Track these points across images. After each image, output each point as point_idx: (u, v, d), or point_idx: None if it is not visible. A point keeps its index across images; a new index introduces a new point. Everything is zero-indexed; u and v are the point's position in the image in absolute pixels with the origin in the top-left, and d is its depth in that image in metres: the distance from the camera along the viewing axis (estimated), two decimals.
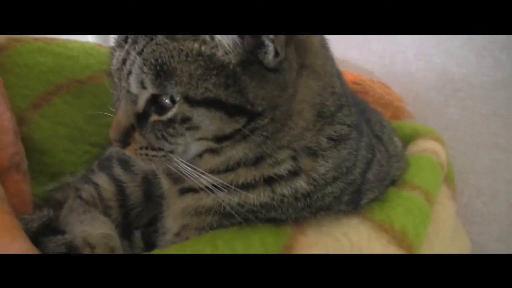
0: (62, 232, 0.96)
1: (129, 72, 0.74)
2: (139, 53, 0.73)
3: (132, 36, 0.76)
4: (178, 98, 0.73)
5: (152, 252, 0.84)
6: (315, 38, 0.85)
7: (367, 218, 0.93)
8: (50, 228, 0.97)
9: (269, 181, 0.84)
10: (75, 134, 1.31)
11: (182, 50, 0.72)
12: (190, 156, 0.82)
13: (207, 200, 0.86)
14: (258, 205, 0.83)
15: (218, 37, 0.72)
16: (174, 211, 0.93)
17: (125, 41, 0.77)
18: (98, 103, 1.34)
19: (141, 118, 0.78)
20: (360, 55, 1.89)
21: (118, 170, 1.13)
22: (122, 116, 0.79)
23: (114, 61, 0.78)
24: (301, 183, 0.84)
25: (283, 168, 0.83)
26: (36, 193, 1.16)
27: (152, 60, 0.72)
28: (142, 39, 0.74)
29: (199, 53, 0.72)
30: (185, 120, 0.74)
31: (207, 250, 0.79)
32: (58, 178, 1.25)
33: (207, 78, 0.72)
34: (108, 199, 1.11)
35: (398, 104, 1.65)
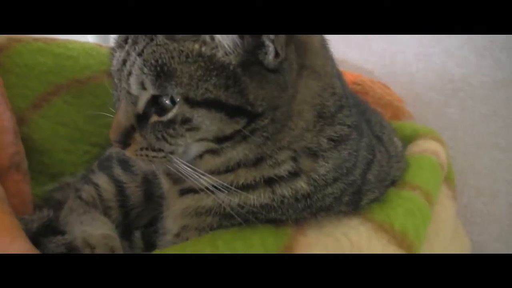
0: (62, 233, 0.96)
1: (129, 73, 0.74)
2: (139, 54, 0.73)
3: (132, 37, 0.76)
4: (178, 99, 0.73)
5: (152, 253, 0.84)
6: (315, 38, 0.85)
7: (367, 218, 0.93)
8: (50, 229, 0.97)
9: (269, 182, 0.83)
10: (75, 134, 1.31)
11: (182, 51, 0.72)
12: (190, 157, 0.82)
13: (207, 201, 0.86)
14: (258, 206, 0.83)
15: (218, 38, 0.72)
16: (174, 212, 0.93)
17: (125, 41, 0.77)
18: (98, 103, 1.34)
19: (141, 119, 0.78)
20: (360, 55, 1.89)
21: (118, 171, 1.13)
22: (122, 117, 0.79)
23: (114, 62, 0.78)
24: (301, 184, 0.84)
25: (283, 169, 0.83)
26: (36, 193, 1.16)
27: (152, 61, 0.71)
28: (142, 40, 0.74)
29: (199, 54, 0.72)
30: (185, 121, 0.74)
31: (207, 250, 0.79)
32: (58, 178, 1.25)
33: (208, 79, 0.72)
34: (108, 200, 1.11)
35: (398, 104, 1.65)
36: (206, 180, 0.81)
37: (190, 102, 0.73)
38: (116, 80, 0.80)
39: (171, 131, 0.76)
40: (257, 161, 0.83)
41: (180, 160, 0.80)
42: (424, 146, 1.28)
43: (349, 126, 0.89)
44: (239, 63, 0.73)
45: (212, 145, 0.80)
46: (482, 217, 1.58)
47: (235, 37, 0.72)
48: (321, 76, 0.85)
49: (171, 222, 0.94)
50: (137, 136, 0.79)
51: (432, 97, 1.70)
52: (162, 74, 0.71)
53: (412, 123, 1.59)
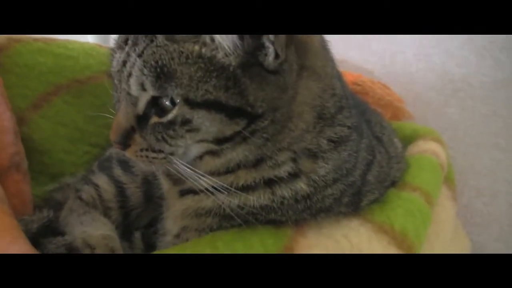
0: (62, 233, 0.96)
1: (129, 74, 0.74)
2: (139, 55, 0.73)
3: (132, 38, 0.76)
4: (178, 100, 0.73)
5: (152, 253, 0.84)
6: (315, 39, 0.85)
7: (367, 219, 0.93)
8: (50, 229, 0.97)
9: (269, 183, 0.83)
10: (75, 134, 1.31)
11: (182, 52, 0.72)
12: (190, 158, 0.82)
13: (207, 202, 0.86)
14: (258, 207, 0.83)
15: (218, 39, 0.72)
16: (174, 213, 0.93)
17: (125, 43, 0.77)
18: (98, 104, 1.34)
19: (141, 120, 0.78)
20: (360, 55, 1.89)
21: (118, 171, 1.13)
22: (122, 118, 0.79)
23: (114, 63, 0.78)
24: (301, 185, 0.84)
25: (283, 170, 0.83)
26: (36, 193, 1.16)
27: (152, 62, 0.71)
28: (142, 41, 0.74)
29: (199, 55, 0.72)
30: (185, 122, 0.74)
31: (207, 251, 0.79)
32: (58, 178, 1.25)
33: (207, 80, 0.72)
34: (108, 200, 1.11)
35: (398, 105, 1.65)
36: (206, 181, 0.81)
37: (190, 103, 0.73)
38: (116, 81, 0.80)
39: (171, 132, 0.76)
40: (257, 162, 0.83)
41: (180, 161, 0.80)
42: (424, 147, 1.28)
43: (349, 127, 0.89)
44: (239, 64, 0.73)
45: (212, 146, 0.80)
46: (482, 217, 1.58)
47: (235, 38, 0.72)
48: (321, 77, 0.85)
49: (171, 223, 0.94)
50: (137, 137, 0.79)
51: (432, 97, 1.70)
52: (162, 75, 0.71)
53: (412, 123, 1.59)
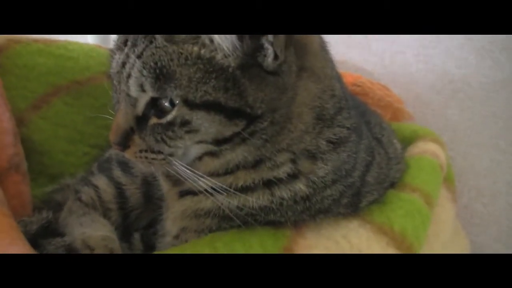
0: (62, 234, 0.96)
1: (129, 75, 0.74)
2: (139, 56, 0.73)
3: (131, 39, 0.76)
4: (177, 101, 0.73)
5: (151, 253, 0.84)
6: (314, 40, 0.85)
7: (367, 220, 0.93)
8: (50, 230, 0.97)
9: (269, 184, 0.83)
10: (74, 135, 1.31)
11: (181, 54, 0.72)
12: (189, 159, 0.82)
13: (206, 203, 0.86)
14: (257, 208, 0.83)
15: (217, 40, 0.72)
16: (174, 214, 0.93)
17: (125, 44, 0.77)
18: (98, 105, 1.34)
19: (141, 121, 0.78)
20: (360, 56, 1.89)
21: (117, 172, 1.13)
22: (121, 119, 0.79)
23: (114, 64, 0.78)
24: (300, 186, 0.84)
25: (283, 171, 0.83)
26: (35, 194, 1.16)
27: (152, 63, 0.72)
28: (141, 42, 0.74)
29: (199, 57, 0.72)
30: (185, 123, 0.74)
31: (206, 252, 0.79)
32: (57, 179, 1.25)
33: (207, 81, 0.72)
34: (108, 201, 1.11)
35: (398, 105, 1.65)
36: (205, 182, 0.81)
37: (189, 104, 0.73)
38: (115, 82, 0.80)
39: (170, 133, 0.76)
40: (256, 163, 0.83)
41: (179, 162, 0.80)
42: (424, 148, 1.28)
43: (348, 128, 0.89)
44: (238, 65, 0.73)
45: (211, 147, 0.80)
46: (481, 218, 1.58)
47: (234, 39, 0.72)
48: (320, 78, 0.85)
49: (170, 224, 0.94)
50: (136, 138, 0.79)
51: (431, 98, 1.70)
52: (161, 76, 0.71)
53: (412, 124, 1.59)
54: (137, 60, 0.73)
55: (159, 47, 0.72)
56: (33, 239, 0.88)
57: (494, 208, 1.56)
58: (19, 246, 0.79)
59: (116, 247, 0.97)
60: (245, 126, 0.76)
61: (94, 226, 1.01)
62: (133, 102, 0.77)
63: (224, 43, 0.72)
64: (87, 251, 0.92)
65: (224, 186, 0.82)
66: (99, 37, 1.82)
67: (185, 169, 0.80)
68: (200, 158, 0.83)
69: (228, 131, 0.76)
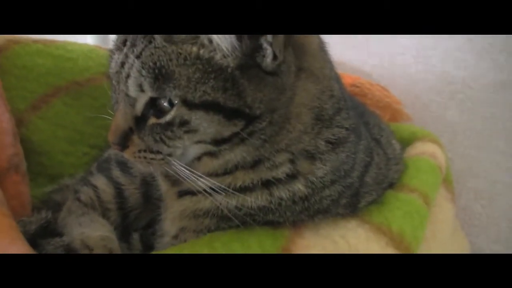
0: (61, 234, 0.96)
1: (128, 75, 0.74)
2: (138, 56, 0.73)
3: (130, 39, 0.76)
4: (176, 101, 0.73)
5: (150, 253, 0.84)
6: (313, 41, 0.85)
7: (365, 220, 0.93)
8: (49, 230, 0.98)
9: (267, 184, 0.84)
10: (74, 136, 1.31)
11: (180, 54, 0.72)
12: (188, 159, 0.82)
13: (205, 203, 0.86)
14: (256, 208, 0.83)
15: (216, 40, 0.72)
16: (172, 214, 0.93)
17: (124, 44, 0.77)
18: (97, 105, 1.35)
19: (140, 121, 0.78)
20: (359, 57, 1.89)
21: (116, 173, 1.13)
22: (120, 119, 0.79)
23: (113, 64, 0.79)
24: (299, 186, 0.84)
25: (281, 171, 0.83)
26: (35, 195, 1.16)
27: (151, 64, 0.72)
28: (140, 42, 0.74)
29: (198, 57, 0.72)
30: (183, 123, 0.75)
31: (205, 252, 0.80)
32: (57, 180, 1.25)
33: (205, 82, 0.72)
34: (107, 202, 1.11)
35: (397, 106, 1.65)
36: (204, 182, 0.81)
37: (188, 104, 0.73)
38: (114, 83, 0.80)
39: (169, 133, 0.76)
40: (255, 164, 0.83)
41: (178, 162, 0.80)
42: (422, 149, 1.29)
43: (347, 129, 0.89)
44: (237, 65, 0.73)
45: (210, 148, 0.80)
46: (480, 220, 1.58)
47: (233, 40, 0.72)
48: (319, 78, 0.85)
49: (169, 224, 0.94)
50: (135, 138, 0.79)
51: (431, 99, 1.70)
52: (160, 76, 0.72)
53: (410, 125, 1.59)
54: (136, 60, 0.73)
55: (158, 47, 0.72)
56: (32, 239, 0.88)
57: (493, 210, 1.56)
58: (18, 246, 0.79)
59: (115, 247, 0.97)
60: (244, 126, 0.77)
61: (93, 226, 1.01)
62: (132, 102, 0.77)
63: (223, 43, 0.72)
64: (86, 251, 0.92)
65: (223, 186, 0.82)
66: (98, 38, 1.82)
67: (184, 169, 0.80)
68: (199, 158, 0.83)
69: (227, 131, 0.76)
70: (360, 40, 1.88)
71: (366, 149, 0.97)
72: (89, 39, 1.82)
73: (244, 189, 0.83)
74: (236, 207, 0.83)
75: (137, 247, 1.06)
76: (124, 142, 0.79)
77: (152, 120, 0.77)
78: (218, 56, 0.73)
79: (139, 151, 0.80)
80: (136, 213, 1.14)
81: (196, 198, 0.88)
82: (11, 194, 1.01)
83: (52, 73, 1.29)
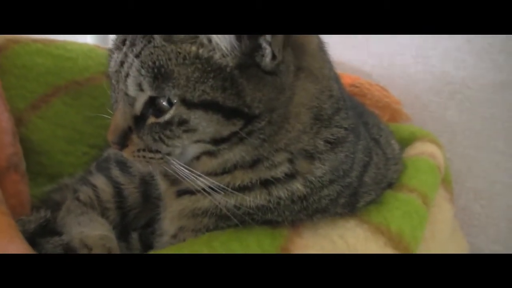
0: (60, 233, 0.96)
1: (127, 75, 0.75)
2: (137, 56, 0.73)
3: (130, 38, 0.76)
4: (175, 101, 0.73)
5: (148, 253, 0.84)
6: (312, 41, 0.85)
7: (364, 220, 0.93)
8: (48, 229, 0.98)
9: (266, 183, 0.84)
10: (73, 135, 1.32)
11: (179, 53, 0.72)
12: (187, 158, 0.82)
13: (203, 202, 0.87)
14: (254, 207, 0.84)
15: (215, 40, 0.72)
16: (171, 213, 0.93)
17: (123, 43, 0.77)
18: (97, 105, 1.35)
19: (139, 120, 0.78)
20: (358, 57, 1.89)
21: (116, 172, 1.13)
22: (119, 118, 0.79)
23: (112, 63, 0.79)
24: (297, 186, 0.84)
25: (280, 171, 0.83)
26: (34, 194, 1.16)
27: (150, 63, 0.72)
28: (140, 41, 0.74)
29: (197, 56, 0.72)
30: (182, 122, 0.75)
31: (204, 251, 0.79)
32: (56, 179, 1.25)
33: (205, 81, 0.72)
34: (106, 201, 1.11)
35: (396, 107, 1.65)
36: (203, 182, 0.82)
37: (187, 103, 0.73)
38: (113, 82, 0.80)
39: (168, 132, 0.76)
40: (254, 163, 0.83)
41: (177, 161, 0.80)
42: (422, 149, 1.29)
43: (346, 129, 0.89)
44: (236, 65, 0.73)
45: (209, 147, 0.80)
46: (480, 220, 1.58)
47: (232, 39, 0.72)
48: (318, 78, 0.85)
49: (168, 223, 0.94)
50: (134, 137, 0.79)
51: (430, 100, 1.70)
52: (159, 75, 0.72)
53: (410, 125, 1.59)
54: (135, 60, 0.73)
55: (157, 47, 0.72)
56: (31, 238, 0.88)
57: (492, 210, 1.56)
58: (17, 245, 0.79)
59: (114, 246, 0.97)
60: (243, 126, 0.77)
61: (92, 225, 1.01)
62: (131, 101, 0.77)
63: (222, 42, 0.72)
64: (85, 250, 0.92)
65: (222, 186, 0.82)
66: (98, 37, 1.82)
67: (183, 169, 0.80)
68: (198, 157, 0.83)
69: (225, 130, 0.77)
70: (359, 40, 1.88)
71: (365, 149, 0.97)
72: (88, 39, 1.82)
73: (243, 189, 0.84)
74: (235, 206, 0.84)
75: (136, 246, 1.06)
76: (123, 141, 0.79)
77: (151, 119, 0.77)
78: (217, 56, 0.73)
79: (138, 150, 0.80)
80: (135, 213, 1.14)
81: (195, 197, 0.88)
82: (10, 193, 1.01)
83: (52, 73, 1.29)
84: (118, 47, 0.78)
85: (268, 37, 0.72)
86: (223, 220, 0.86)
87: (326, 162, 0.86)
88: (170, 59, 0.72)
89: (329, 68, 0.91)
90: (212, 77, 0.72)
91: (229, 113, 0.75)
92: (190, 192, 0.89)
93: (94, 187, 1.12)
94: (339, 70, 0.98)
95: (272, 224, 0.85)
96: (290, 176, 0.84)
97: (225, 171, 0.84)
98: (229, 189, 0.82)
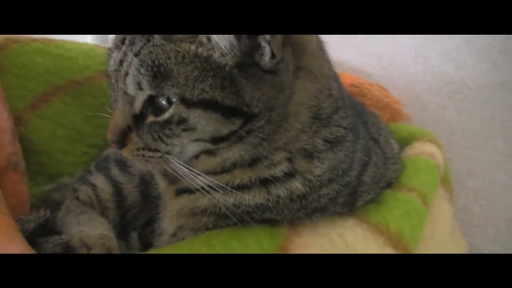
0: (59, 233, 0.96)
1: (126, 74, 0.75)
2: (136, 55, 0.73)
3: (129, 37, 0.76)
4: (174, 100, 0.73)
5: (148, 252, 0.84)
6: (311, 40, 0.86)
7: (363, 219, 0.93)
8: (47, 229, 0.98)
9: (265, 182, 0.84)
10: (73, 135, 1.32)
11: (179, 52, 0.72)
12: (186, 157, 0.82)
13: (203, 201, 0.87)
14: (253, 206, 0.84)
15: (215, 39, 0.72)
16: (170, 212, 0.93)
17: (122, 42, 0.77)
18: (96, 104, 1.35)
19: (138, 119, 0.78)
20: (358, 57, 1.89)
21: (115, 171, 1.13)
22: (119, 117, 0.79)
23: (111, 62, 0.79)
24: (296, 185, 0.84)
25: (279, 170, 0.83)
26: (34, 193, 1.16)
27: (149, 62, 0.72)
28: (139, 40, 0.74)
29: (196, 55, 0.72)
30: (182, 121, 0.75)
31: (203, 250, 0.80)
32: (56, 179, 1.25)
33: (204, 80, 0.72)
34: (106, 200, 1.12)
35: (396, 106, 1.65)
36: (202, 180, 0.82)
37: (186, 102, 0.73)
38: (113, 81, 0.80)
39: (167, 131, 0.76)
40: (253, 162, 0.83)
41: (176, 160, 0.80)
42: (421, 148, 1.29)
43: (345, 128, 0.89)
44: (236, 64, 0.73)
45: (208, 146, 0.80)
46: (479, 220, 1.57)
47: (232, 38, 0.72)
48: (317, 77, 0.85)
49: (167, 222, 0.94)
50: (133, 136, 0.79)
51: (430, 100, 1.70)
52: (158, 74, 0.72)
53: (409, 125, 1.59)
54: (134, 58, 0.73)
55: (156, 46, 0.72)
56: (30, 237, 0.88)
57: (491, 210, 1.55)
58: (16, 244, 0.79)
59: (114, 245, 0.97)
60: (242, 125, 0.77)
61: (91, 224, 1.01)
62: (131, 100, 0.77)
63: (222, 41, 0.72)
64: (84, 250, 0.92)
65: (221, 184, 0.82)
66: (98, 37, 1.82)
67: (182, 167, 0.80)
68: (197, 156, 0.83)
69: (225, 129, 0.77)
70: (359, 40, 1.88)
71: (364, 148, 0.97)
72: (88, 38, 1.82)
73: (242, 187, 0.84)
74: (234, 205, 0.84)
75: (135, 245, 1.07)
76: (122, 140, 0.79)
77: (151, 118, 0.77)
78: (216, 55, 0.73)
79: (138, 149, 0.80)
80: (135, 212, 1.14)
81: (194, 196, 0.88)
82: (9, 192, 1.01)
83: (51, 72, 1.29)
84: (117, 46, 0.79)
85: (268, 36, 0.72)
86: (222, 219, 0.86)
87: (325, 161, 0.86)
88: (169, 58, 0.72)
89: (328, 67, 0.91)
90: (211, 76, 0.73)
91: (228, 112, 0.75)
92: (189, 191, 0.89)
93: (93, 186, 1.12)
94: (339, 70, 0.98)
95: (271, 223, 0.86)
96: (289, 175, 0.84)
97: (224, 170, 0.84)
98: (228, 188, 0.83)
